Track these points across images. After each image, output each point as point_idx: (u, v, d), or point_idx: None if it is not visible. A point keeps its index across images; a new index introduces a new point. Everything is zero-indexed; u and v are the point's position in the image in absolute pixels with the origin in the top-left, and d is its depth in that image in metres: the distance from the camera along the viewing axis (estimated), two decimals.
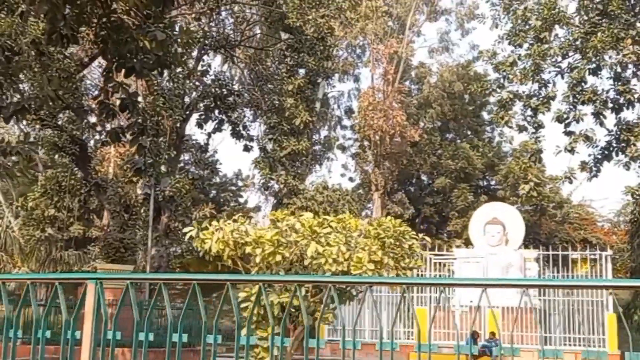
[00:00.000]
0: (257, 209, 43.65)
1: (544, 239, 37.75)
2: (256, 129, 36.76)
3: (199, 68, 29.22)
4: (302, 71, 30.55)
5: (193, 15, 29.54)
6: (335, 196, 27.99)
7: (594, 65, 20.98)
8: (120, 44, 12.78)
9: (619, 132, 21.86)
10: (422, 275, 22.23)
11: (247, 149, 29.54)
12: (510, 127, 23.72)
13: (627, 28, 19.89)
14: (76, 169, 27.26)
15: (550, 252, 22.91)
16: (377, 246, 8.03)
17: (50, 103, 14.25)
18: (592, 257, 23.60)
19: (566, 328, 21.88)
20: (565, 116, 21.73)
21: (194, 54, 29.10)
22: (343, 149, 46.27)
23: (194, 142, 29.82)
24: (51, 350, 4.94)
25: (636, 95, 21.63)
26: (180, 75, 25.81)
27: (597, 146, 22.87)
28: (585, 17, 21.56)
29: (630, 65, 21.83)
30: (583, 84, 21.43)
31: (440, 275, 24.04)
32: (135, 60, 13.06)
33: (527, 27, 22.18)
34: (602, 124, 22.47)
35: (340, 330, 22.77)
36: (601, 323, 21.21)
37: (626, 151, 21.19)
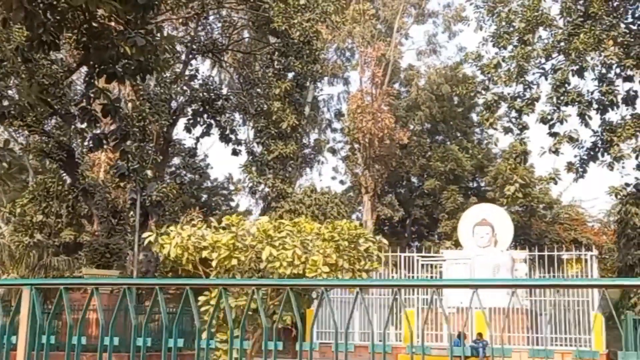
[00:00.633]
0: (248, 212, 43.69)
1: (534, 239, 37.86)
2: (245, 132, 36.87)
3: (187, 72, 29.26)
4: (290, 75, 30.64)
5: (180, 20, 29.58)
6: (323, 199, 28.06)
7: (577, 66, 21.13)
8: (101, 50, 12.84)
9: (602, 133, 22.04)
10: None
11: (235, 152, 29.61)
12: (496, 129, 23.87)
13: (609, 29, 20.05)
14: (64, 174, 27.24)
15: (536, 253, 23.06)
16: (332, 249, 8.12)
17: (30, 110, 14.26)
18: (578, 257, 23.76)
19: (555, 328, 22.01)
20: (549, 117, 21.89)
21: (182, 57, 29.15)
22: (333, 151, 46.38)
23: (181, 146, 29.84)
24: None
25: (619, 97, 21.80)
26: (168, 80, 25.83)
27: (582, 147, 23.04)
28: (569, 19, 21.72)
29: (614, 67, 22.01)
30: (566, 85, 21.58)
31: (432, 277, 24.15)
32: (116, 66, 13.14)
33: (511, 29, 22.33)
34: (587, 125, 22.63)
35: (329, 333, 22.84)
36: (587, 323, 21.37)
37: (609, 151, 21.36)
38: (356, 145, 40.58)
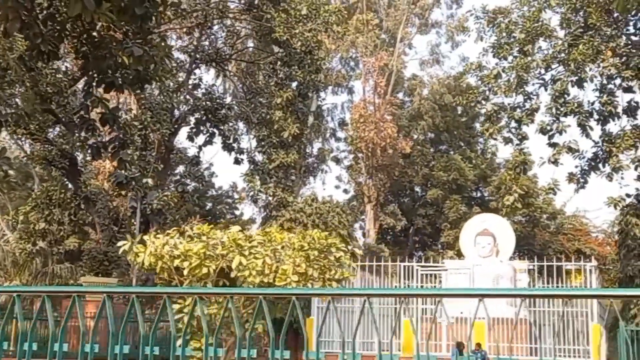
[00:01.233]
0: (252, 221, 43.75)
1: (537, 250, 37.70)
2: (247, 141, 36.99)
3: (190, 81, 29.46)
4: (293, 84, 30.77)
5: (185, 30, 29.80)
6: (324, 208, 28.05)
7: (576, 77, 21.17)
8: (100, 59, 13.00)
9: (603, 144, 22.05)
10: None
11: (237, 161, 29.76)
12: (496, 140, 23.89)
13: (607, 41, 20.09)
14: (67, 182, 27.40)
15: (536, 263, 23.00)
16: (302, 258, 8.20)
17: (28, 118, 14.43)
18: (577, 268, 23.69)
19: (555, 339, 21.92)
20: (548, 128, 21.91)
21: (186, 66, 29.36)
22: (337, 161, 46.45)
23: (183, 155, 29.99)
24: None
25: (620, 107, 21.82)
26: (170, 89, 26.01)
27: (583, 157, 23.04)
28: (568, 30, 21.78)
29: (615, 77, 22.03)
30: (566, 95, 21.61)
31: (435, 286, 24.11)
32: (115, 75, 13.30)
33: (511, 39, 22.40)
34: (587, 136, 22.64)
35: (332, 342, 22.84)
36: (587, 334, 21.29)
37: (608, 162, 21.36)
38: (359, 155, 40.67)
